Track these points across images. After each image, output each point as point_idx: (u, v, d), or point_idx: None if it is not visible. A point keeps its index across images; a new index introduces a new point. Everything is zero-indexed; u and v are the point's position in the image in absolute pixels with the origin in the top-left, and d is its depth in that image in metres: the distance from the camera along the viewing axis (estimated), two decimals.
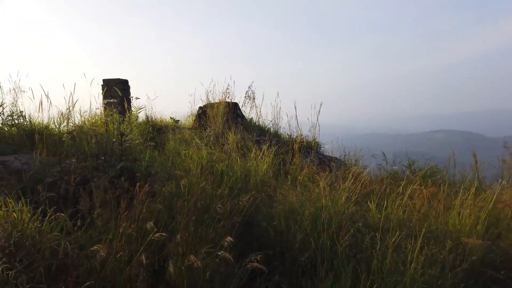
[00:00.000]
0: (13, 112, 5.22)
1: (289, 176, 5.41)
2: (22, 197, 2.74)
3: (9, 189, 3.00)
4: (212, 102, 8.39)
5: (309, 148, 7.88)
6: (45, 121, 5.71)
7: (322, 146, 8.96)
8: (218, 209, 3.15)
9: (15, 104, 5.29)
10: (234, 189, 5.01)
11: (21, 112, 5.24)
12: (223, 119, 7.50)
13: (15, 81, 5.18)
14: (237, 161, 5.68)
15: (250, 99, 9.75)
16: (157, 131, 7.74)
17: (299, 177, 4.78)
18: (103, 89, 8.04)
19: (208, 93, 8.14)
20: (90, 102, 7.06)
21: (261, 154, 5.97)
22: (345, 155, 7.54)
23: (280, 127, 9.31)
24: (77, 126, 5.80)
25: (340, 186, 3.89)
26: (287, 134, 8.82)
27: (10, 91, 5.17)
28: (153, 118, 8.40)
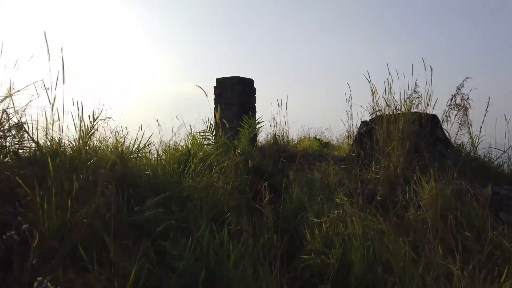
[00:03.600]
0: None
1: None
2: None
3: None
4: (387, 113, 4.66)
5: None
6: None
7: None
8: None
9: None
10: None
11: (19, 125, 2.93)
12: (407, 145, 3.68)
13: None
14: (444, 273, 1.90)
15: (459, 109, 5.49)
16: (286, 159, 4.57)
17: None
18: (215, 92, 5.45)
19: (377, 96, 4.45)
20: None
21: None
22: None
23: None
24: (121, 153, 3.13)
25: None
26: None
27: None
28: (284, 139, 5.31)
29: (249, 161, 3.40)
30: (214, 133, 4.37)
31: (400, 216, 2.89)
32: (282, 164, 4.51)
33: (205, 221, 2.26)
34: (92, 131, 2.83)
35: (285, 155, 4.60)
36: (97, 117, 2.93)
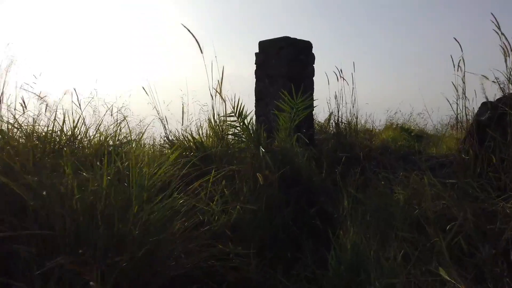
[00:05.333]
0: None
1: None
2: None
3: None
4: None
5: None
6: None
7: None
8: None
9: None
10: None
11: None
12: None
13: None
14: None
15: None
16: (348, 160, 2.98)
17: None
18: (257, 61, 3.98)
19: None
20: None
21: None
22: None
23: None
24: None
25: None
26: None
27: None
28: (352, 127, 3.66)
29: (258, 174, 1.93)
30: (243, 118, 2.96)
31: None
32: (345, 168, 2.91)
33: None
34: None
35: (350, 155, 2.99)
36: None
